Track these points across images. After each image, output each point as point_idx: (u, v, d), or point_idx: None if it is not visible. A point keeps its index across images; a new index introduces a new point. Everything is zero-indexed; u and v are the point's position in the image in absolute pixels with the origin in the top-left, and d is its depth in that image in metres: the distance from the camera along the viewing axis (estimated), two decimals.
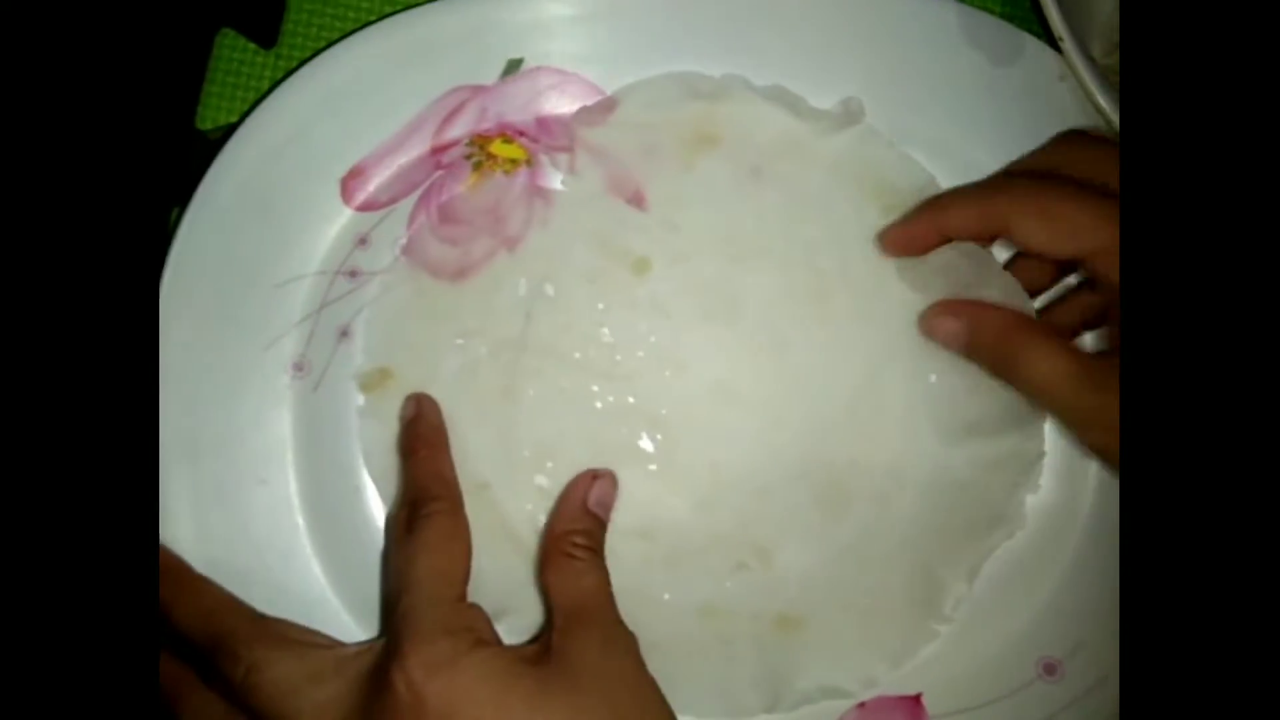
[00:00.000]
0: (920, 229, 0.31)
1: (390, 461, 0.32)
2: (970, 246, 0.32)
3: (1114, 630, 0.31)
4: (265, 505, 0.31)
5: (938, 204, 0.31)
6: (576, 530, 0.29)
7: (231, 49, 0.35)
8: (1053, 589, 0.32)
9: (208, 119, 0.35)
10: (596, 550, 0.29)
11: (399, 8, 0.33)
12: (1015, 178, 0.31)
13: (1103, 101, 0.32)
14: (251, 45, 0.35)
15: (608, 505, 0.31)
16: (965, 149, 0.33)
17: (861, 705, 0.31)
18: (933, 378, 0.33)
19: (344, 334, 0.33)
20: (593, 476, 0.31)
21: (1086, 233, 0.27)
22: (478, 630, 0.27)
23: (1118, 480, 0.32)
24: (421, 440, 0.31)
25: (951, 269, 0.32)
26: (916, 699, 0.31)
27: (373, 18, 0.35)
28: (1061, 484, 0.33)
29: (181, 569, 0.29)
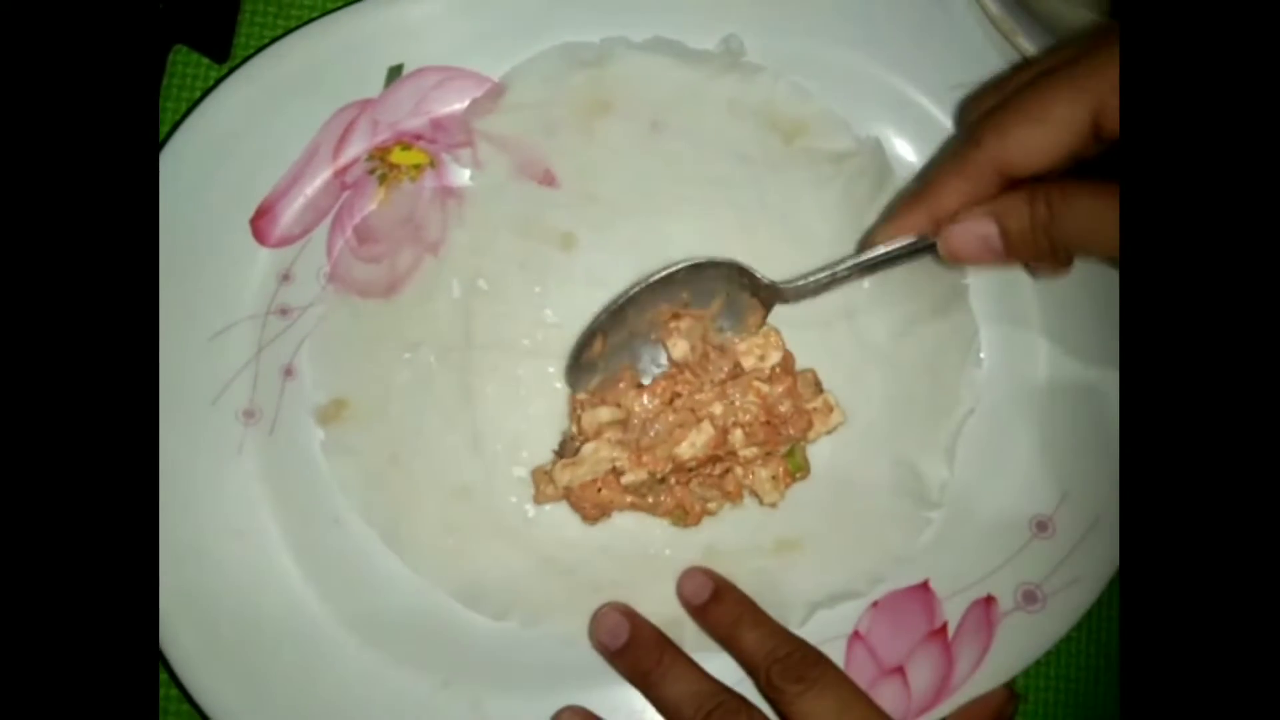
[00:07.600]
0: (911, 223, 0.29)
1: (366, 488, 0.32)
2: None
3: (1095, 475, 0.32)
4: (246, 554, 0.31)
5: (929, 191, 0.29)
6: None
7: (184, 64, 0.34)
8: (1028, 451, 0.33)
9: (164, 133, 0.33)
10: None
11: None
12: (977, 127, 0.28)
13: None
14: (205, 60, 0.34)
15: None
16: (851, 66, 0.34)
17: (875, 604, 0.32)
18: (865, 283, 0.34)
19: (288, 373, 0.32)
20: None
21: (1069, 105, 0.26)
22: None
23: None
24: (716, 627, 0.31)
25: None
26: (925, 585, 0.32)
27: None
28: (1005, 354, 0.34)
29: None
